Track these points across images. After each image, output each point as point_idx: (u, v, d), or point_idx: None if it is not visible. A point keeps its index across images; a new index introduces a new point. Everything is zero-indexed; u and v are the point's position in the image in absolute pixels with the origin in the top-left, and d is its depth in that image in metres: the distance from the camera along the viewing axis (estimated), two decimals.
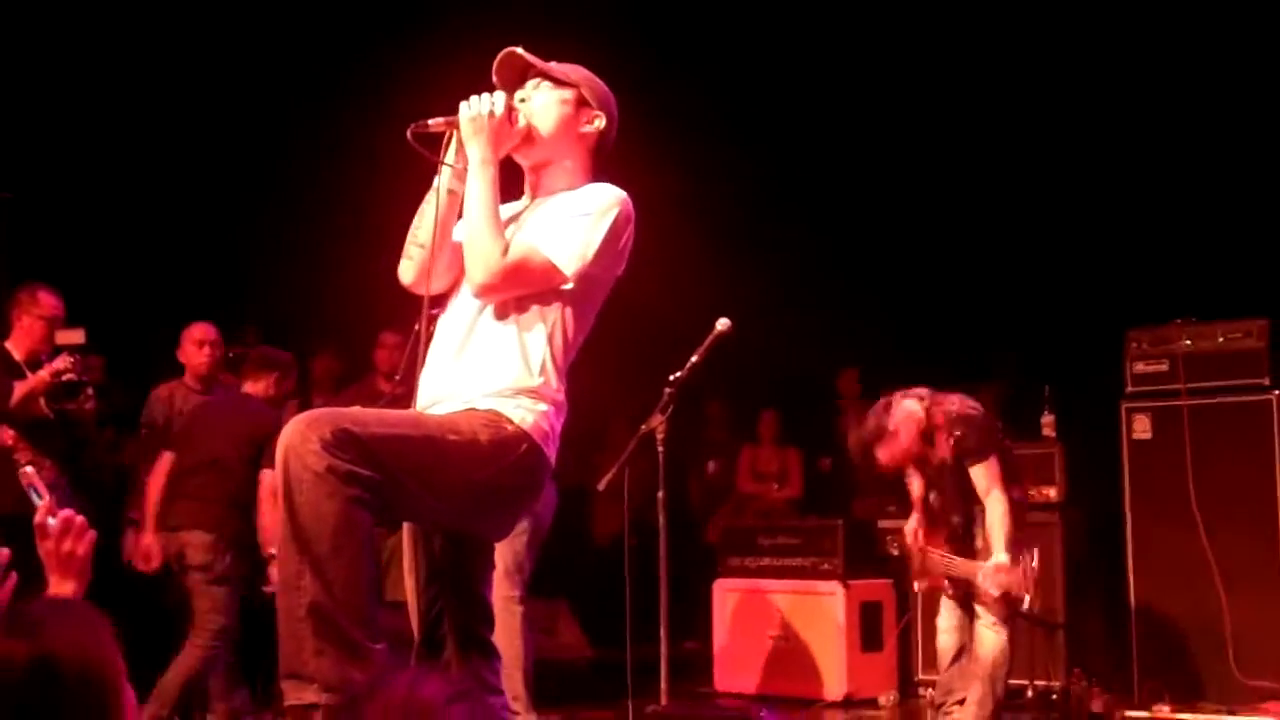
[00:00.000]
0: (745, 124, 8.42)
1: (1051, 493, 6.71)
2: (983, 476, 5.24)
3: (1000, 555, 5.17)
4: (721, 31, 8.30)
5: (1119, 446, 6.49)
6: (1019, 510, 5.34)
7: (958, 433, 5.26)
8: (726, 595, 7.29)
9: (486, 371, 2.86)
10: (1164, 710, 6.06)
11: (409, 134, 2.94)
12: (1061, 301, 7.36)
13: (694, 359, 5.46)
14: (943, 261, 7.47)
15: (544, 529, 5.78)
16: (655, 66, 7.81)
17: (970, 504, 5.33)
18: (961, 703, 5.33)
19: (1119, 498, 6.48)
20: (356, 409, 2.98)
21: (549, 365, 2.88)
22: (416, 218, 3.03)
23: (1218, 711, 5.97)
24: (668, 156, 7.71)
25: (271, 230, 7.97)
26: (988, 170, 7.73)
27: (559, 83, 3.05)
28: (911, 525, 5.60)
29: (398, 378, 3.24)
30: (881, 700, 6.84)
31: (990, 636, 5.22)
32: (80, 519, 2.16)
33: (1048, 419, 6.86)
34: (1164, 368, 6.43)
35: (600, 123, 3.06)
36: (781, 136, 8.48)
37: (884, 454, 5.42)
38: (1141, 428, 6.45)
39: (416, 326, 2.96)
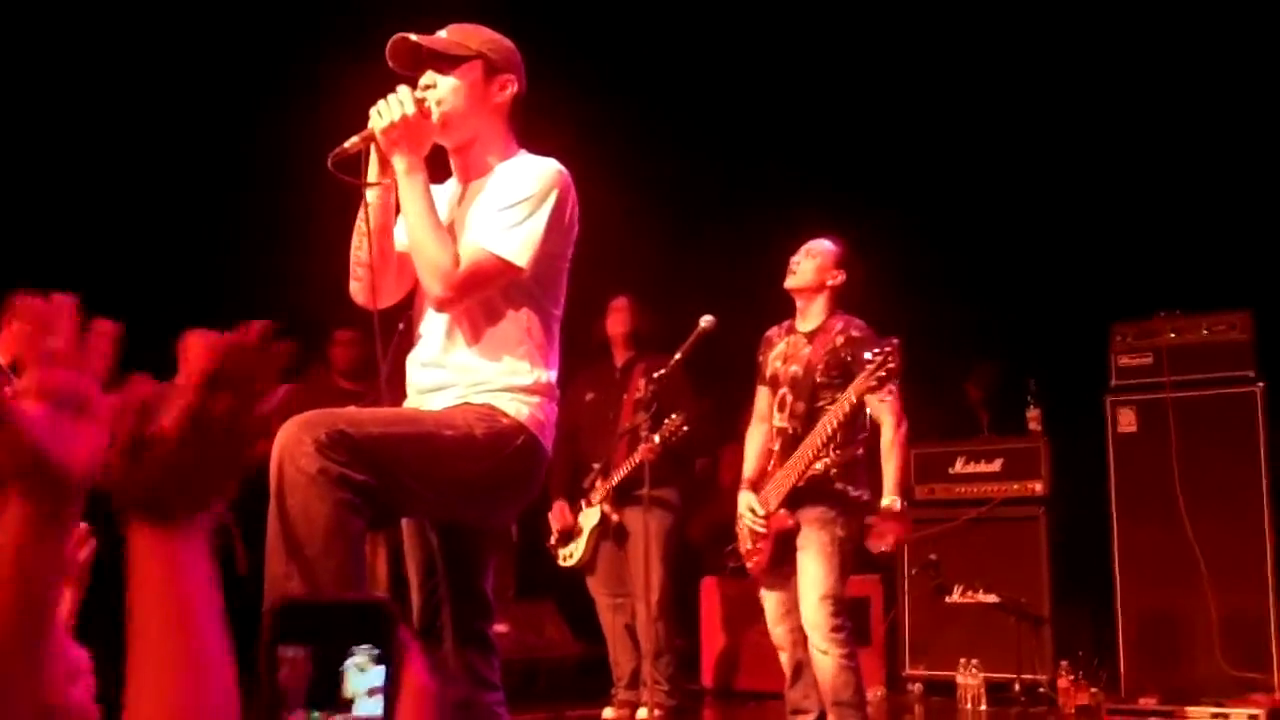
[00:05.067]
0: (727, 112, 8.38)
1: (1037, 486, 6.73)
2: (886, 410, 4.64)
3: (893, 498, 4.68)
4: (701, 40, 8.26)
5: (1104, 440, 6.50)
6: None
7: (856, 337, 4.64)
8: (713, 592, 7.27)
9: (474, 370, 2.84)
10: (1151, 703, 6.06)
11: (330, 164, 2.84)
12: (1045, 295, 7.35)
13: (677, 356, 5.44)
14: (927, 254, 7.45)
15: None
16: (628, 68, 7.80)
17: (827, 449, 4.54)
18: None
19: (1104, 491, 6.48)
20: (352, 409, 2.95)
21: (534, 355, 2.85)
22: (355, 236, 2.92)
23: (1205, 704, 5.97)
24: (645, 143, 7.68)
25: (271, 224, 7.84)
26: (971, 163, 7.72)
27: (458, 59, 2.92)
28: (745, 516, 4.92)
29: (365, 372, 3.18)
30: (869, 695, 6.82)
31: (823, 661, 4.64)
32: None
33: (1033, 413, 6.87)
34: (1149, 360, 6.44)
35: (513, 88, 2.96)
36: (766, 122, 8.44)
37: (805, 256, 4.89)
38: (1126, 421, 6.45)
39: (382, 340, 2.90)
